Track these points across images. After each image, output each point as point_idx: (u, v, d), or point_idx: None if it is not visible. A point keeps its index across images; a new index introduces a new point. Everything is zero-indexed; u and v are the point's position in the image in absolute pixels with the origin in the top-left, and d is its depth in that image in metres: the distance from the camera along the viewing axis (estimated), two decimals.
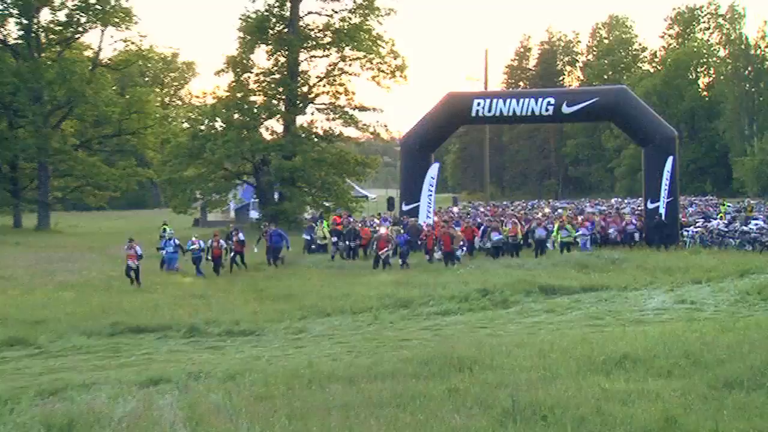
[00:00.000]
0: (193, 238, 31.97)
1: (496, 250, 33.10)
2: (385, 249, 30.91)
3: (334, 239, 35.46)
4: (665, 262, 30.34)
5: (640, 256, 32.42)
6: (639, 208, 45.77)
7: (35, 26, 61.10)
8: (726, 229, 37.65)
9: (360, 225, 38.28)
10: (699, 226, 39.31)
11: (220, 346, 18.19)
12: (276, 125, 55.42)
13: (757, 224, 37.63)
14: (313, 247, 37.00)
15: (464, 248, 32.75)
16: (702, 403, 10.72)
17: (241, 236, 32.73)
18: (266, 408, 11.30)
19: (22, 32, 61.29)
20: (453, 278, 26.73)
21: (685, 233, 38.04)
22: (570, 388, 11.61)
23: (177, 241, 32.29)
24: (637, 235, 36.60)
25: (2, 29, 61.17)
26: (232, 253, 32.34)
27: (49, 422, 10.88)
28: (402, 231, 33.66)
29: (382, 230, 32.76)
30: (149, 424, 10.72)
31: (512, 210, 52.83)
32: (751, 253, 33.09)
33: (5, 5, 59.62)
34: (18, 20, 60.86)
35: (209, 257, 31.04)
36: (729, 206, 50.76)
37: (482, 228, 36.02)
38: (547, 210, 52.37)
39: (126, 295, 25.96)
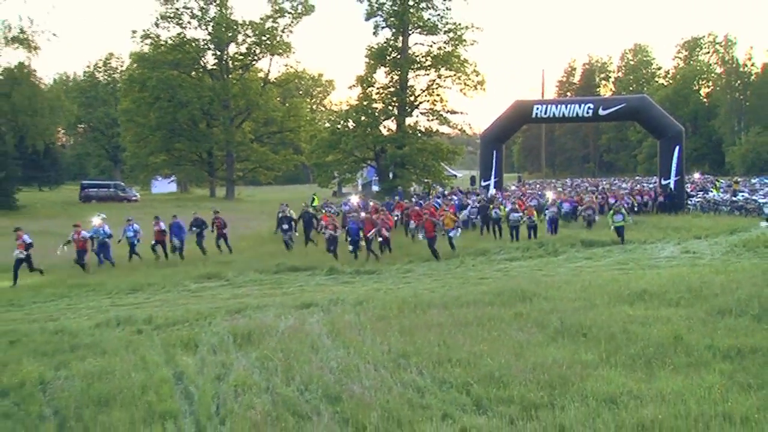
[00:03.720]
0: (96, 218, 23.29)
1: (513, 229, 25.46)
2: (373, 231, 22.59)
3: (285, 226, 25.26)
4: (674, 223, 29.63)
5: (655, 219, 31.77)
6: (654, 184, 44.20)
7: (225, 56, 62.42)
8: (720, 199, 36.59)
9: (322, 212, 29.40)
10: (699, 197, 38.47)
11: (351, 281, 18.41)
12: (391, 125, 55.13)
13: (743, 196, 36.58)
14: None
15: (459, 229, 24.40)
16: (701, 326, 10.57)
17: (161, 225, 23.51)
18: (384, 325, 11.44)
19: (216, 60, 62.91)
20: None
21: (689, 202, 37.30)
22: (603, 314, 11.50)
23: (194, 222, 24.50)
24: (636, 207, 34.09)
25: (203, 59, 62.81)
26: (153, 242, 23.49)
27: (235, 332, 11.26)
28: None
29: (363, 213, 24.31)
30: (303, 335, 10.97)
31: (532, 189, 48.00)
32: (738, 217, 32.26)
33: (205, 41, 61.27)
34: (214, 52, 62.48)
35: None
36: (722, 182, 49.03)
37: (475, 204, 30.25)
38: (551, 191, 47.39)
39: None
